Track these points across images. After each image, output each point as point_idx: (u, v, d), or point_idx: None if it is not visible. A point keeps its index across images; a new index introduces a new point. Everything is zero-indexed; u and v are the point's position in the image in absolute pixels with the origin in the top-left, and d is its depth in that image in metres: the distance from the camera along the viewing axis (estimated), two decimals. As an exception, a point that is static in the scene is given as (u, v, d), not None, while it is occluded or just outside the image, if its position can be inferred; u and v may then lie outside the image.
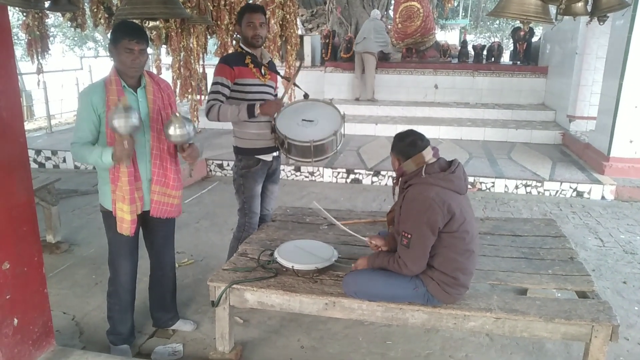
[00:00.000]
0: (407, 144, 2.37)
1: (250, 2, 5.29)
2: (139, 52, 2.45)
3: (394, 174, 2.51)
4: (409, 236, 2.26)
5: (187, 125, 2.46)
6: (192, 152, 2.62)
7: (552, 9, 2.45)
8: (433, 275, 2.33)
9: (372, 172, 6.41)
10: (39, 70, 5.82)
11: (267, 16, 3.20)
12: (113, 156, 2.37)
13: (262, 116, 3.04)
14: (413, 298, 2.38)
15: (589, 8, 2.38)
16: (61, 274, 3.86)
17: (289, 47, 6.35)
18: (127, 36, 2.42)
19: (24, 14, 5.16)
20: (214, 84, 3.07)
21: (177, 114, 2.46)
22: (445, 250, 2.30)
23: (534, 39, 10.47)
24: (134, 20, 2.69)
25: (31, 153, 7.23)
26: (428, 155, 2.35)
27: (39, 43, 5.43)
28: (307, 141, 2.96)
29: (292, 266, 2.63)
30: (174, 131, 2.44)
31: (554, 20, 2.40)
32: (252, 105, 2.99)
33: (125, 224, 2.55)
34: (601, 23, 2.38)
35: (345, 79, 10.15)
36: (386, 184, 6.32)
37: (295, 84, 3.67)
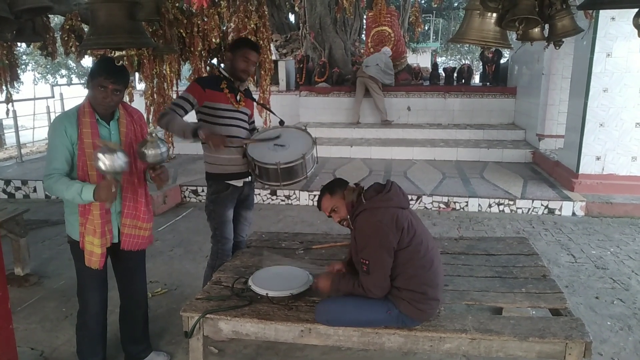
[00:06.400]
0: (337, 184, 2.56)
1: (224, 28, 5.32)
2: (112, 92, 2.42)
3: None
4: (367, 262, 2.30)
5: (161, 145, 2.46)
6: (162, 174, 2.58)
7: (511, 34, 2.54)
8: (402, 295, 2.34)
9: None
10: (8, 100, 5.72)
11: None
12: (95, 195, 2.32)
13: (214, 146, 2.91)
14: (387, 322, 2.37)
15: (546, 33, 2.48)
16: (30, 308, 3.74)
17: (263, 72, 6.39)
18: (104, 73, 2.40)
19: (-10, 44, 5.09)
20: (178, 97, 3.05)
21: (152, 134, 2.46)
22: (405, 267, 2.33)
23: (502, 61, 10.78)
24: (108, 55, 2.68)
25: (0, 183, 7.06)
26: (350, 185, 2.55)
27: (7, 72, 5.35)
28: (274, 163, 2.94)
29: (267, 293, 2.60)
30: (148, 151, 2.43)
31: (518, 44, 2.49)
32: (197, 129, 2.86)
33: (95, 257, 2.50)
34: (557, 47, 2.48)
35: (319, 102, 10.25)
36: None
37: (270, 111, 3.70)
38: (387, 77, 10.04)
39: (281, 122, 3.31)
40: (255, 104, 3.42)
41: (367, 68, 9.73)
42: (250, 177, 3.25)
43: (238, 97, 3.16)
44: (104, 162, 2.25)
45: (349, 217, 2.48)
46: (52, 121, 2.53)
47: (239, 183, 3.21)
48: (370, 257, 2.30)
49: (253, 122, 3.39)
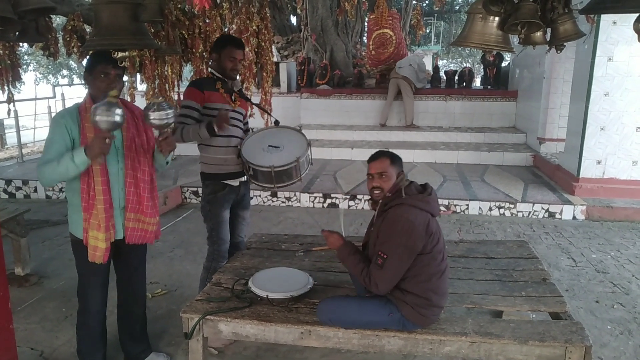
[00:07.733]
0: (399, 160, 2.42)
1: (226, 30, 5.33)
2: (115, 77, 2.45)
3: (370, 196, 2.48)
4: (385, 257, 2.25)
5: (166, 107, 2.43)
6: (168, 138, 2.57)
7: (513, 38, 2.54)
8: (406, 298, 2.33)
9: (348, 196, 6.44)
10: (10, 100, 5.72)
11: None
12: (87, 153, 2.30)
13: (223, 131, 2.99)
14: (388, 324, 2.37)
15: (548, 37, 2.48)
16: (30, 308, 3.74)
17: (264, 74, 6.39)
18: (104, 61, 2.43)
19: (-7, 43, 5.09)
20: (182, 107, 3.06)
21: (159, 98, 2.44)
22: (419, 272, 2.31)
23: (504, 64, 10.79)
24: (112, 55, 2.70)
25: (1, 183, 7.07)
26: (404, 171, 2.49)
27: (9, 72, 5.35)
28: (267, 167, 2.95)
29: (267, 295, 2.60)
30: (153, 113, 2.40)
31: (520, 48, 2.49)
32: (210, 124, 2.95)
33: (99, 252, 2.50)
34: (558, 51, 2.48)
35: (320, 105, 10.26)
36: (362, 208, 6.34)
37: (265, 110, 3.71)
38: (421, 79, 9.93)
39: (276, 122, 3.32)
40: (253, 104, 3.43)
41: (400, 69, 9.65)
42: (245, 177, 3.25)
43: (233, 97, 3.18)
44: (100, 114, 2.22)
45: (380, 201, 2.42)
46: (53, 117, 2.53)
47: (235, 182, 3.22)
48: (390, 252, 2.25)
49: (247, 122, 3.40)
